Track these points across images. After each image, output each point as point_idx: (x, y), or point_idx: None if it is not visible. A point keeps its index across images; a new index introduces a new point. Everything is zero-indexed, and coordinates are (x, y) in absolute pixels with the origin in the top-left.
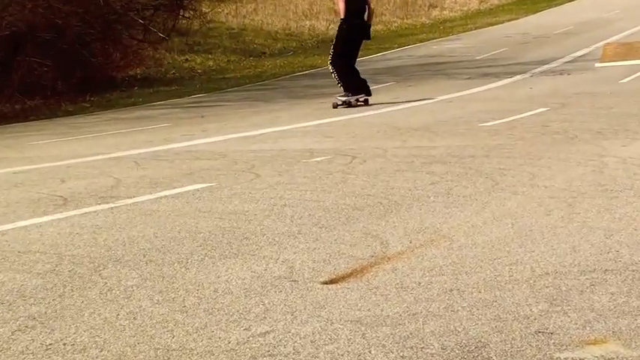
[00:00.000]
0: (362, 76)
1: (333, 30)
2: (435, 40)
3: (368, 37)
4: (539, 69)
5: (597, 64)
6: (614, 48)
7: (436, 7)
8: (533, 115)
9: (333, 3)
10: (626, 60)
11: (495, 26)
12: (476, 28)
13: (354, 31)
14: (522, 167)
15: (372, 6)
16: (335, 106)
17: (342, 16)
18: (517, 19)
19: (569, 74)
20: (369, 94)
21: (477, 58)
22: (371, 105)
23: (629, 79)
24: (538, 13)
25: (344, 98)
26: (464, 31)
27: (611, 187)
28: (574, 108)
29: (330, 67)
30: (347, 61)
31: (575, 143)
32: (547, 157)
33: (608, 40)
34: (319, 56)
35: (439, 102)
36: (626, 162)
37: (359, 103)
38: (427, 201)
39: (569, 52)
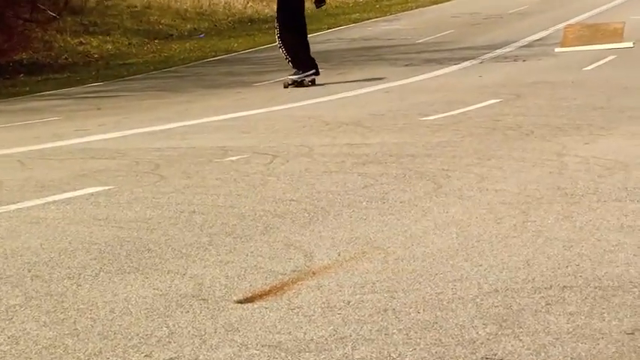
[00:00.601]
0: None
1: (252, 8)
2: (370, 21)
3: (318, 3)
4: (490, 54)
5: (557, 49)
6: (577, 30)
7: None
8: (482, 107)
9: None
10: (591, 44)
11: (440, 5)
12: (417, 7)
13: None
14: (469, 168)
15: None
16: (286, 85)
17: None
18: None
19: (524, 60)
20: (317, 72)
21: (419, 41)
22: (296, 92)
23: (593, 66)
24: None
25: (295, 77)
26: (403, 10)
27: (572, 191)
28: (530, 100)
29: (278, 42)
30: (297, 35)
31: (531, 140)
32: (498, 157)
33: (569, 22)
34: (235, 39)
35: (374, 92)
36: (589, 162)
37: (309, 83)
38: (359, 207)
39: (524, 35)
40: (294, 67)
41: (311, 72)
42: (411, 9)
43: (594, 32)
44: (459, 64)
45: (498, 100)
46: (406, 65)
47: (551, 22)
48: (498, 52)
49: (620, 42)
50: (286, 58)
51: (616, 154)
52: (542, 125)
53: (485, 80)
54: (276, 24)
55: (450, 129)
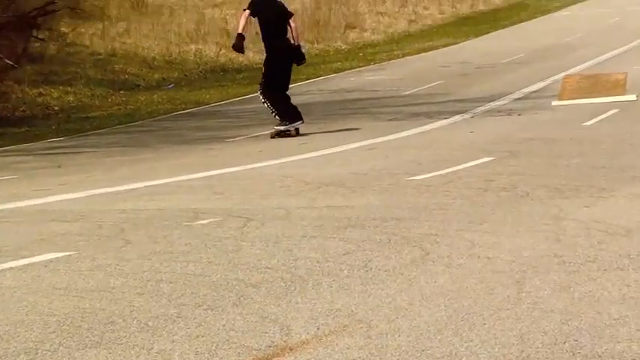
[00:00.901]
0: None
1: (225, 56)
2: (352, 70)
3: (298, 61)
4: (482, 108)
5: (555, 102)
6: (576, 82)
7: (354, 28)
8: (474, 166)
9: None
10: (591, 97)
11: (428, 53)
12: (404, 56)
13: (277, 53)
14: (460, 233)
15: (293, 24)
16: (272, 136)
17: (240, 31)
18: (456, 43)
19: (519, 115)
20: (302, 121)
21: (406, 93)
22: (272, 149)
23: (594, 121)
24: (481, 37)
25: (282, 127)
26: (389, 59)
27: (570, 259)
28: (525, 158)
29: (261, 97)
30: (278, 88)
31: (527, 203)
32: (491, 221)
33: (568, 72)
34: (207, 90)
35: (357, 149)
36: (589, 227)
37: (294, 133)
38: (340, 276)
39: (519, 86)
40: (281, 119)
41: (298, 122)
42: (397, 57)
43: (595, 84)
44: (448, 118)
45: (491, 159)
46: (391, 119)
47: (549, 72)
48: (491, 105)
49: (623, 94)
50: (272, 112)
51: (618, 219)
52: (539, 186)
53: (477, 136)
54: (261, 79)
55: (438, 190)
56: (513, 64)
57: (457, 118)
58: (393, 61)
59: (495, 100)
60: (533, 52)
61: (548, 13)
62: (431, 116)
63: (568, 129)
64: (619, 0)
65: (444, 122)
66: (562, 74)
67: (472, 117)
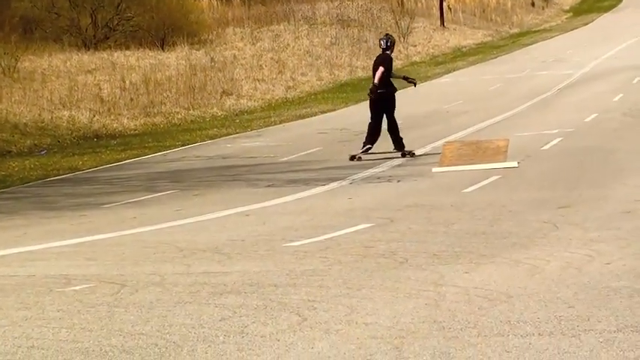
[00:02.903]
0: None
1: (99, 122)
2: (229, 137)
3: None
4: (360, 175)
5: (435, 169)
6: (457, 148)
7: (231, 94)
8: (352, 232)
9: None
10: (472, 164)
11: (306, 119)
12: (281, 122)
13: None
14: (338, 299)
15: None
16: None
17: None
18: (334, 110)
19: (398, 181)
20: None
21: (283, 160)
22: (146, 216)
23: (474, 187)
24: (360, 104)
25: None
26: (266, 126)
27: (449, 324)
28: (404, 224)
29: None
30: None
31: (405, 269)
32: (369, 287)
33: (448, 139)
34: (80, 156)
35: (233, 215)
36: (468, 293)
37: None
38: (215, 342)
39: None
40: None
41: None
42: (275, 124)
43: (475, 150)
44: (326, 184)
45: (370, 225)
46: (268, 186)
47: (429, 139)
48: (370, 171)
49: (504, 161)
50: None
51: (498, 284)
52: (418, 252)
53: (356, 203)
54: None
55: (316, 256)
56: None
57: (335, 184)
58: (270, 127)
59: (374, 166)
60: (411, 119)
61: (428, 79)
62: (308, 183)
63: (448, 195)
64: (500, 67)
65: (321, 189)
66: (442, 141)
67: (351, 184)
